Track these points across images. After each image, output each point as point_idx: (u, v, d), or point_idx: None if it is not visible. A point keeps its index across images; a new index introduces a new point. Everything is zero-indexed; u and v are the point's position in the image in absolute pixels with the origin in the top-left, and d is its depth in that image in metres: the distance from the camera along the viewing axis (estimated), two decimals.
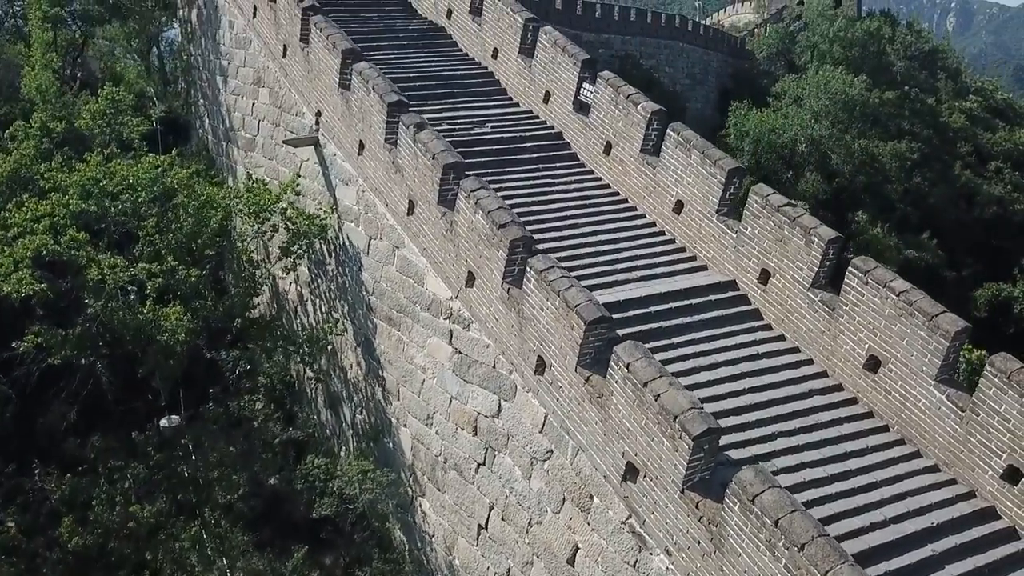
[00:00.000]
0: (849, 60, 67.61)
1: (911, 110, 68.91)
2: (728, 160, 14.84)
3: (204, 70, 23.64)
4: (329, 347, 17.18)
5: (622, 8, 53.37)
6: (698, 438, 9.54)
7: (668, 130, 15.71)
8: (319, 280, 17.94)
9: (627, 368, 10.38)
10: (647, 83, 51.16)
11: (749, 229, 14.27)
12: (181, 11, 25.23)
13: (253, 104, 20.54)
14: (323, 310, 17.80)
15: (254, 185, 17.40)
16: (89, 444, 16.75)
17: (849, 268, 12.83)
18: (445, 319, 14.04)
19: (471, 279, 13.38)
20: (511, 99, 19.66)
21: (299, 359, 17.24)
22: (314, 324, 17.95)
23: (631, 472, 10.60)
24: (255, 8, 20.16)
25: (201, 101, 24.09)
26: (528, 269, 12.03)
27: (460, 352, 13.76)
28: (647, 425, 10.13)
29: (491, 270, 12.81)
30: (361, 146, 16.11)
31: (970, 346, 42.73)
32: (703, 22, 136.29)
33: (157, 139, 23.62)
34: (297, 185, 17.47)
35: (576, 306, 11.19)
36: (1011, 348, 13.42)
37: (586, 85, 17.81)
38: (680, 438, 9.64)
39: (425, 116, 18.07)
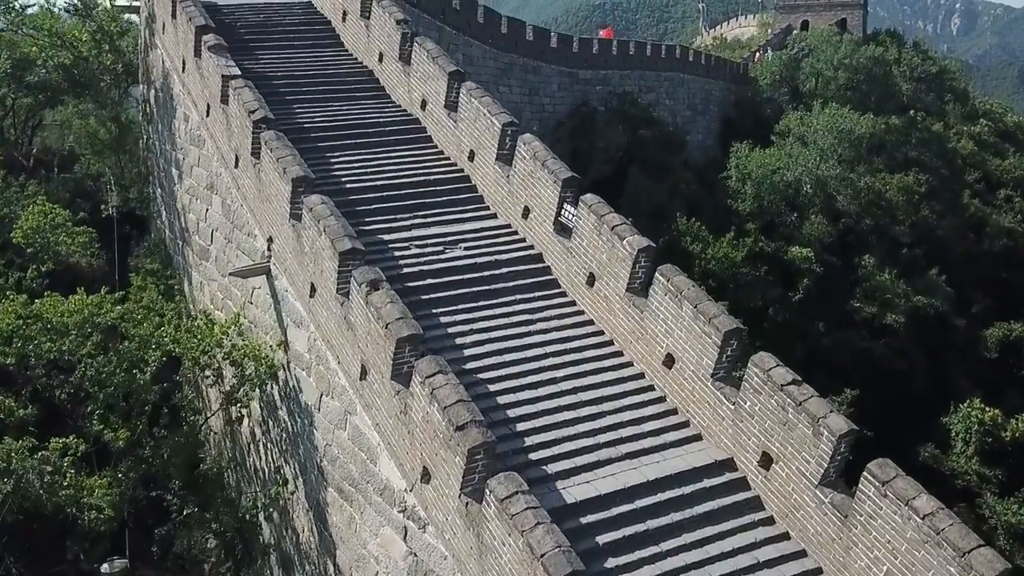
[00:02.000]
0: (855, 85, 65.97)
1: (918, 139, 67.10)
2: (724, 319, 13.04)
3: (160, 157, 21.90)
4: (282, 502, 15.42)
5: (621, 42, 51.48)
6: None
7: (657, 274, 13.94)
8: (271, 423, 16.19)
9: None
10: (646, 121, 49.51)
11: (748, 404, 12.47)
12: (141, 87, 23.53)
13: (207, 210, 18.80)
14: (275, 456, 16.04)
15: (195, 324, 15.62)
16: None
17: (864, 475, 11.02)
18: (399, 512, 12.27)
19: (427, 475, 11.61)
20: (488, 209, 17.91)
21: (248, 515, 15.49)
22: (266, 469, 16.19)
23: None
24: (208, 107, 18.41)
25: (159, 191, 22.36)
26: (488, 492, 10.26)
27: (415, 555, 11.99)
28: None
29: (448, 474, 11.04)
30: (313, 289, 14.35)
31: (982, 405, 41.24)
32: (706, 31, 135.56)
33: (113, 229, 21.93)
34: (241, 325, 15.70)
35: (543, 555, 9.40)
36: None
37: (567, 207, 16.05)
38: None
39: (394, 235, 16.48)
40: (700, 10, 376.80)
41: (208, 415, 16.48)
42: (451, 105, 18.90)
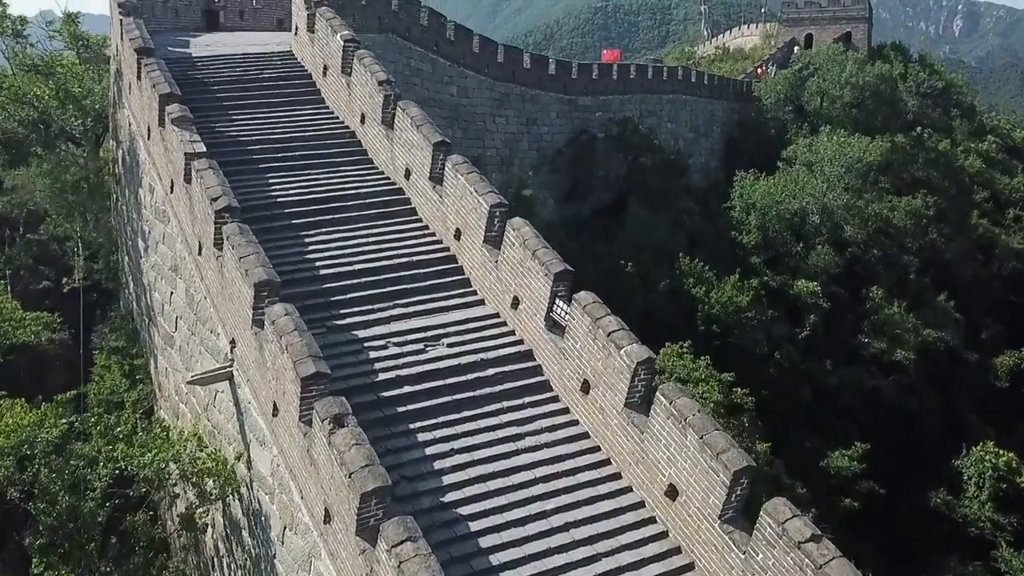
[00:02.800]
0: (861, 102, 64.58)
1: (926, 159, 65.71)
2: (734, 455, 11.57)
3: (128, 225, 20.51)
4: None
5: (621, 66, 50.07)
6: None
7: (658, 395, 12.52)
8: (234, 542, 14.78)
9: None
10: (646, 146, 48.10)
11: (761, 556, 11.05)
12: (111, 143, 22.15)
13: (172, 293, 17.40)
14: None
15: (149, 437, 14.21)
16: None
17: None
18: None
19: None
20: (475, 294, 16.50)
21: None
22: None
23: None
24: (172, 183, 17.02)
25: (127, 259, 20.96)
26: None
27: None
28: None
29: None
30: (276, 408, 12.95)
31: (996, 449, 39.78)
32: (708, 33, 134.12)
33: (79, 299, 20.53)
34: (201, 433, 14.29)
35: None
36: None
37: (560, 303, 14.63)
38: None
39: (371, 329, 15.08)
40: (702, 12, 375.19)
41: (167, 535, 15.07)
42: (436, 178, 17.50)
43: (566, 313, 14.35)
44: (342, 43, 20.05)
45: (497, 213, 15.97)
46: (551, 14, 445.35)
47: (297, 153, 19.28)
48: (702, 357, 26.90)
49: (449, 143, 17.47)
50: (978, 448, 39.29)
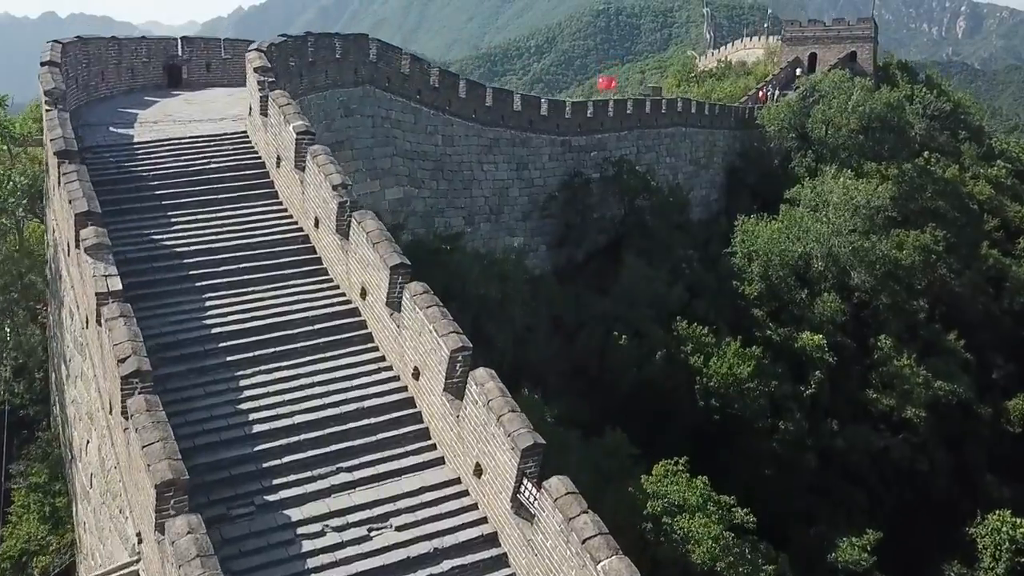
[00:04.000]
0: (867, 128, 62.45)
1: (935, 190, 63.55)
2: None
3: (54, 340, 18.33)
4: None
5: (617, 102, 47.91)
6: None
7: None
8: None
9: None
10: (643, 187, 45.87)
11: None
12: (48, 250, 19.98)
13: (87, 443, 15.21)
14: None
15: None
16: None
17: None
18: None
19: None
20: (435, 449, 14.30)
21: None
22: None
23: None
24: (87, 319, 14.83)
25: (53, 376, 18.79)
26: None
27: None
28: None
29: None
30: None
31: (1013, 519, 37.56)
32: (711, 52, 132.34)
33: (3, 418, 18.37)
34: None
35: None
36: None
37: (528, 484, 12.41)
38: None
39: (308, 507, 12.92)
40: (705, 15, 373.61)
41: None
42: (394, 304, 15.31)
43: (535, 499, 12.14)
44: (295, 135, 17.87)
45: (459, 358, 13.79)
46: (553, 17, 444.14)
47: (242, 265, 17.09)
48: (699, 477, 24.70)
49: (409, 266, 15.27)
50: (994, 517, 37.19)
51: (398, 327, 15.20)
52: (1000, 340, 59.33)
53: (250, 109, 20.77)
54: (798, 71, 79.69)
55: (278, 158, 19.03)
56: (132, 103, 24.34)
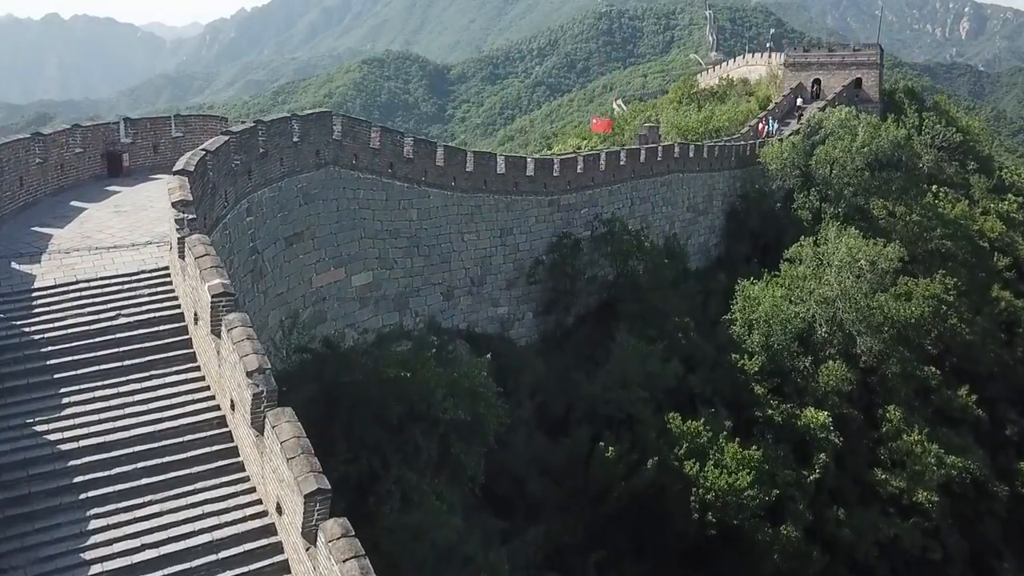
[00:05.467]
0: (873, 166, 59.80)
1: (944, 233, 60.85)
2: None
3: None
4: None
5: (609, 154, 45.22)
6: None
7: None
8: None
9: None
10: (636, 246, 43.14)
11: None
12: None
13: None
14: None
15: None
16: None
17: None
18: None
19: None
20: None
21: None
22: None
23: None
24: None
25: None
26: None
27: None
28: None
29: None
30: None
31: None
32: (710, 69, 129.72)
33: None
34: None
35: None
36: None
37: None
38: None
39: None
40: (707, 18, 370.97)
41: None
42: (309, 536, 12.60)
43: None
44: (209, 298, 15.16)
45: None
46: (555, 19, 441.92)
47: (143, 465, 14.36)
48: None
49: (328, 491, 12.54)
50: None
51: (313, 565, 12.49)
52: (1013, 392, 56.74)
53: (171, 245, 18.09)
54: (799, 101, 77.07)
55: (195, 315, 16.34)
56: (52, 215, 21.62)
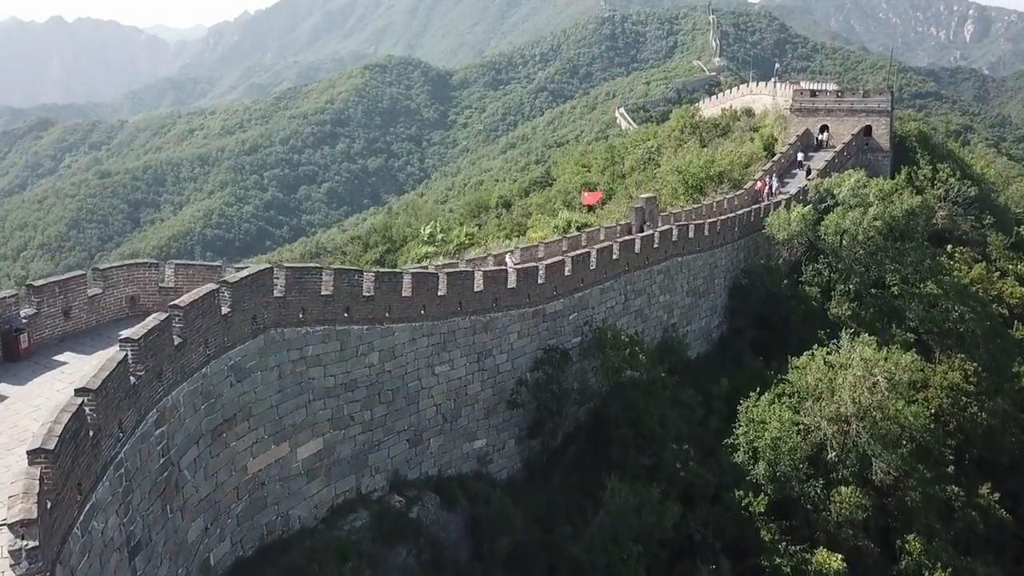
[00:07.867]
0: (885, 234, 55.93)
1: (962, 311, 56.94)
2: None
3: None
4: None
5: (600, 250, 41.30)
6: None
7: None
8: None
9: None
10: (628, 356, 39.11)
11: None
12: None
13: None
14: None
15: None
16: None
17: None
18: None
19: None
20: None
21: None
22: None
23: None
24: None
25: None
26: None
27: None
28: None
29: None
30: None
31: None
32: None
33: None
34: None
35: None
36: None
37: None
38: None
39: None
40: (711, 23, 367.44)
41: None
42: None
43: None
44: None
45: None
46: (557, 23, 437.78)
47: None
48: None
49: None
50: None
51: None
52: None
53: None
54: (799, 156, 73.35)
55: None
56: None
